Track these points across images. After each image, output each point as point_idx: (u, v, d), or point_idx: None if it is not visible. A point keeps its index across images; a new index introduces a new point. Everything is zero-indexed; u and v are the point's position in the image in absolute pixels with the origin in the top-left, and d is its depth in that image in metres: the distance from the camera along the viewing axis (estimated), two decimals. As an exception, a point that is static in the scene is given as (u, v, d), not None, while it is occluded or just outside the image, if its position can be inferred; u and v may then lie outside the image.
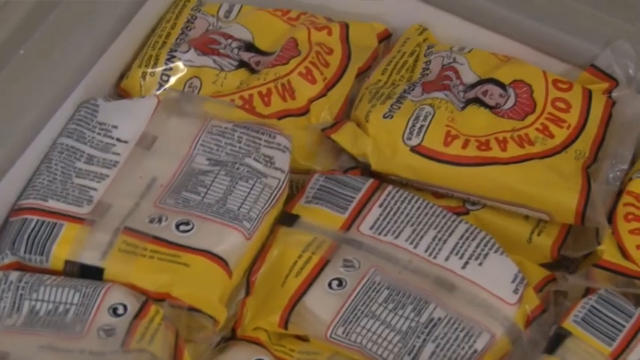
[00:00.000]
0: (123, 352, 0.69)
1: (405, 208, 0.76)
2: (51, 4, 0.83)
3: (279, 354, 0.71)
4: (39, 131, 0.77)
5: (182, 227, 0.73)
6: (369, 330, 0.68)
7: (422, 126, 0.78)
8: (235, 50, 0.87)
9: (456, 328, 0.69)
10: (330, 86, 0.83)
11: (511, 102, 0.81)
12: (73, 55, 0.80)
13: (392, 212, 0.75)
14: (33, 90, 0.78)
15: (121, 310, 0.70)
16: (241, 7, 0.88)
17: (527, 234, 0.78)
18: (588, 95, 0.81)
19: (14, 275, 0.73)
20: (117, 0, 0.85)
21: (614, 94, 0.81)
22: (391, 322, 0.69)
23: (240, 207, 0.74)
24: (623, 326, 0.70)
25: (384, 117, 0.79)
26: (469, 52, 0.84)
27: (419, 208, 0.75)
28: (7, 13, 0.82)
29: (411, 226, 0.74)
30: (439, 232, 0.74)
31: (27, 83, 0.78)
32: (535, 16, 0.85)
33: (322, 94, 0.82)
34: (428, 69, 0.83)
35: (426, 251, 0.73)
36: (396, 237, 0.73)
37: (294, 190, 0.79)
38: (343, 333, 0.68)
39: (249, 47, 0.87)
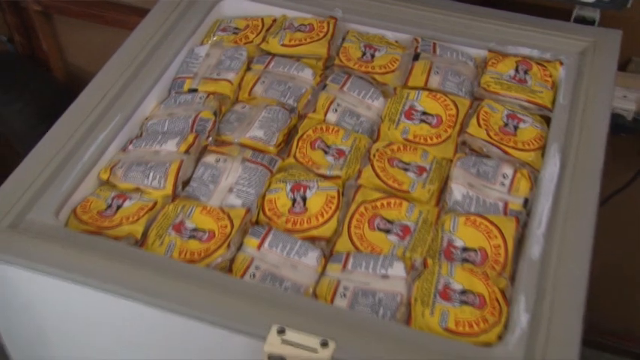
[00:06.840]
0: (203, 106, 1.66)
1: (279, 62, 1.60)
2: (171, 27, 1.63)
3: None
4: (178, 54, 1.61)
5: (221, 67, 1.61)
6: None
7: (282, 36, 1.62)
8: (231, 29, 1.66)
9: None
10: (257, 34, 1.66)
11: (309, 29, 1.65)
12: (183, 38, 1.63)
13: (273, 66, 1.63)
14: (178, 43, 1.61)
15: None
16: (234, 19, 1.66)
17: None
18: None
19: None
20: (193, 22, 1.65)
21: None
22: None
23: (231, 68, 1.58)
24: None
25: (273, 37, 1.62)
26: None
27: (285, 61, 1.61)
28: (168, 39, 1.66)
29: (283, 71, 1.62)
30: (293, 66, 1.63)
31: (174, 47, 1.61)
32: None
33: (256, 37, 1.67)
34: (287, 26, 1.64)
35: (281, 69, 1.60)
36: (277, 68, 1.62)
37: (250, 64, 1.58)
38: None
39: (236, 29, 1.66)
